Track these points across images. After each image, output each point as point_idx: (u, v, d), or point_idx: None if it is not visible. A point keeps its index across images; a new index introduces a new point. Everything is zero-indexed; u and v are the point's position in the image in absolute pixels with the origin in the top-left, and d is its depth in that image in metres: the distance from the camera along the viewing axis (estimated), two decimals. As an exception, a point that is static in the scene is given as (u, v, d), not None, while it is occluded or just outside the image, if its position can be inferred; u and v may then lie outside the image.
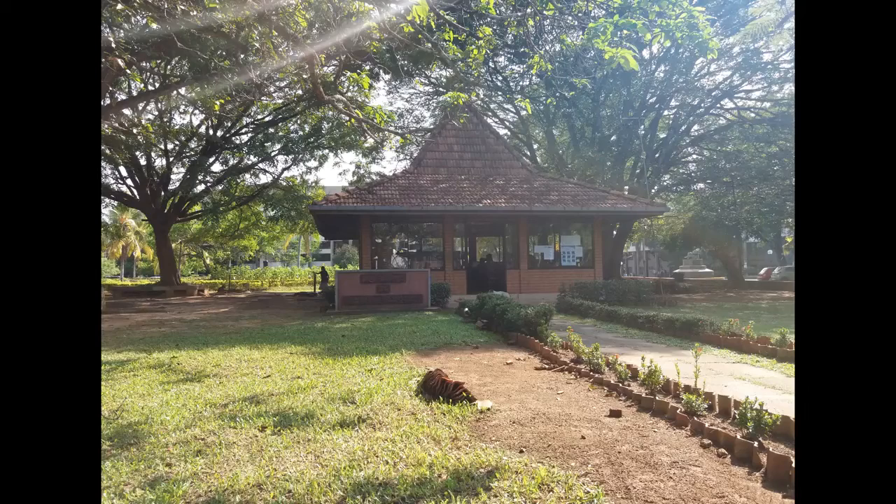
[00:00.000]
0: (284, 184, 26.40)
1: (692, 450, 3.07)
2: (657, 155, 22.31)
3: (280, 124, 24.17)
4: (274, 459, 3.04)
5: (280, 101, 21.37)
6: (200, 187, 25.93)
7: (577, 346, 5.74)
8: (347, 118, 8.55)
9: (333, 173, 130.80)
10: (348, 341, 7.87)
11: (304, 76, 9.75)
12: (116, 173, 24.95)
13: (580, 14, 11.61)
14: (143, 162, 24.24)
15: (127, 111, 18.63)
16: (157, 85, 18.00)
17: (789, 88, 20.26)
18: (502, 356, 6.45)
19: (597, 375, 4.90)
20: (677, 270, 34.59)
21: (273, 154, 25.28)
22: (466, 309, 10.75)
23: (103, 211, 35.00)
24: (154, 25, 7.94)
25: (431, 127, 24.11)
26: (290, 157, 25.60)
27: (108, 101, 15.77)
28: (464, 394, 4.16)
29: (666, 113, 23.06)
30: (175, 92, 16.76)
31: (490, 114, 26.22)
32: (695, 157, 25.96)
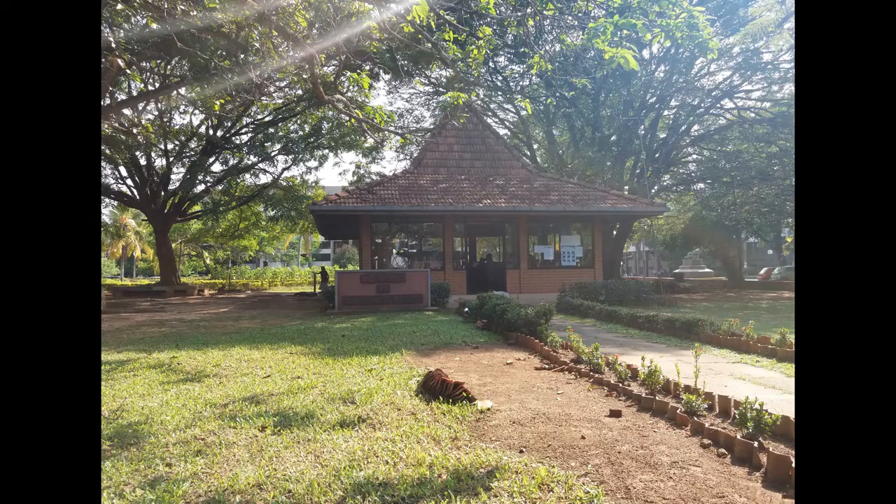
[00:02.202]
0: (284, 184, 26.40)
1: (692, 450, 3.07)
2: (657, 155, 22.31)
3: (280, 124, 24.16)
4: (274, 459, 3.04)
5: (280, 101, 21.35)
6: (200, 187, 25.91)
7: (577, 346, 5.74)
8: (347, 118, 8.56)
9: (333, 173, 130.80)
10: (348, 341, 7.86)
11: (304, 76, 9.75)
12: (116, 173, 24.95)
13: (580, 14, 11.62)
14: (143, 162, 24.23)
15: (127, 111, 18.65)
16: (157, 85, 17.99)
17: (789, 88, 20.25)
18: (502, 356, 6.45)
19: (597, 375, 4.90)
20: (677, 270, 34.56)
21: (273, 154, 25.29)
22: (466, 309, 10.75)
23: (103, 211, 35.01)
24: (154, 25, 7.94)
25: (431, 127, 24.11)
26: (290, 157, 25.61)
27: (108, 101, 15.77)
28: (464, 394, 4.15)
29: (666, 113, 23.05)
30: (175, 92, 16.75)
31: (490, 114, 26.22)
32: (695, 157, 25.96)
